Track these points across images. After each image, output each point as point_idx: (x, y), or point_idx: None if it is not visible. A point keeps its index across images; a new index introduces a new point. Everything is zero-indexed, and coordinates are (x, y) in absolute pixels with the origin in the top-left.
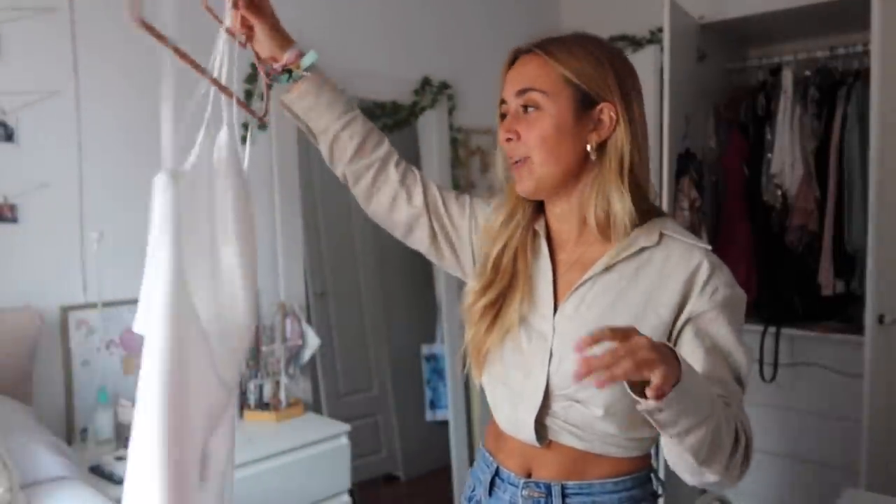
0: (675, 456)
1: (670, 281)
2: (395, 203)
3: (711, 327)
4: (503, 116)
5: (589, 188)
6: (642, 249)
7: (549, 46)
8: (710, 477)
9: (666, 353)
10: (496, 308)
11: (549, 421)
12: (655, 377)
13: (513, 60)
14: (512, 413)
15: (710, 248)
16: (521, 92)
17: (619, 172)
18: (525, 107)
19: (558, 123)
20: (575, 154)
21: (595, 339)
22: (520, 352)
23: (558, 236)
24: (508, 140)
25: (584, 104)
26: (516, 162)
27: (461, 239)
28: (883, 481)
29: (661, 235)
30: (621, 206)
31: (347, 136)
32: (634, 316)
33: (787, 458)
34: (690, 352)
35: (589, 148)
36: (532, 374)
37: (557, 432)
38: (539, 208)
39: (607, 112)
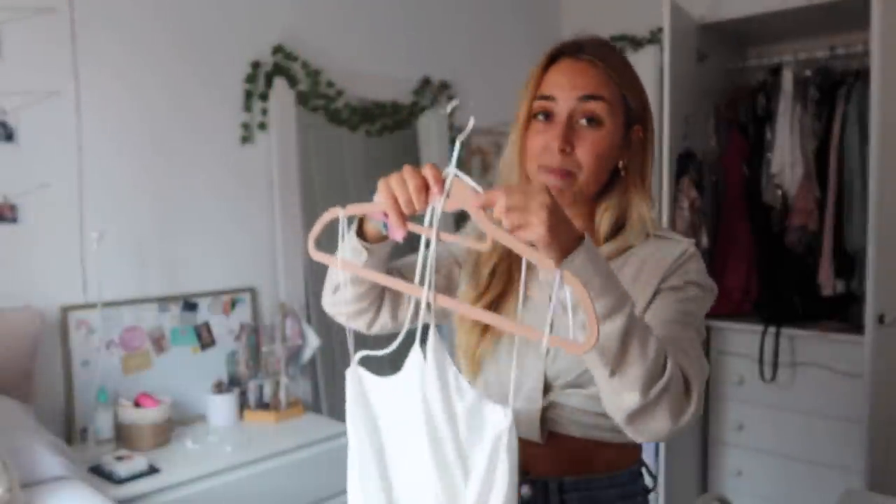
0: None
1: (656, 267)
2: (397, 312)
3: (672, 296)
4: (545, 115)
5: (607, 200)
6: (630, 247)
7: (606, 58)
8: (628, 398)
9: (561, 220)
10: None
11: (549, 412)
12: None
13: (552, 60)
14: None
15: (693, 241)
16: (588, 98)
17: (640, 185)
18: (588, 119)
19: (612, 143)
20: (609, 172)
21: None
22: (514, 352)
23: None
24: (563, 150)
25: (628, 124)
26: (554, 170)
27: (452, 283)
28: (883, 481)
29: (648, 235)
30: (646, 213)
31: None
32: None
33: (787, 458)
34: (651, 316)
35: (620, 165)
36: (528, 372)
37: (557, 422)
38: None
39: (637, 132)
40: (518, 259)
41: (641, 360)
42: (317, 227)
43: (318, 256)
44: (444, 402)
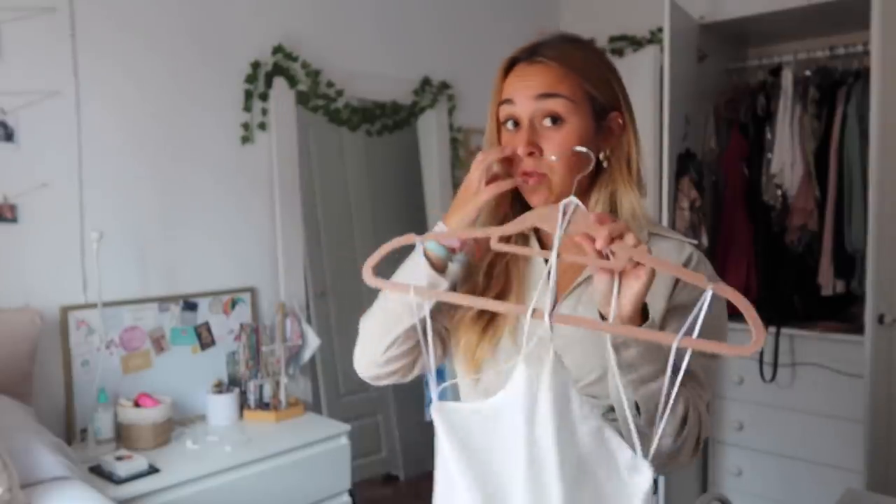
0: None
1: (662, 278)
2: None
3: (684, 318)
4: (513, 123)
5: (597, 193)
6: None
7: (560, 56)
8: (662, 444)
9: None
10: (488, 315)
11: None
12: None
13: (509, 68)
14: None
15: (696, 242)
16: (544, 96)
17: (627, 175)
18: (551, 118)
19: (582, 137)
20: (588, 165)
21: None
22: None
23: (550, 239)
24: (531, 154)
25: (599, 114)
26: (529, 173)
27: (446, 344)
28: (883, 481)
29: (650, 235)
30: (637, 204)
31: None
32: None
33: (787, 458)
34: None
35: (602, 156)
36: None
37: None
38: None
39: (615, 120)
40: (515, 259)
41: (672, 415)
42: (379, 253)
43: (377, 283)
44: (560, 423)
